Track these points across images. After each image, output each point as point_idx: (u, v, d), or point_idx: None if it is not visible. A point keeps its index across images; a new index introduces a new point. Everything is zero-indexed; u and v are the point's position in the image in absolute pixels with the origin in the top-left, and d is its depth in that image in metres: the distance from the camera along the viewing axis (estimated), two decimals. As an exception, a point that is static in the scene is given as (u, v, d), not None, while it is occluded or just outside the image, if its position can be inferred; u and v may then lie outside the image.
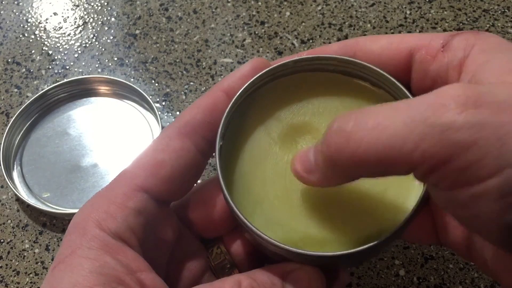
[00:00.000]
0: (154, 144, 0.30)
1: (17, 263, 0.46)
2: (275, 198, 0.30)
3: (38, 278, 0.45)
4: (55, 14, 0.63)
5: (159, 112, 0.53)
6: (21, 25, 0.63)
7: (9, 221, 0.48)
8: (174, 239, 0.31)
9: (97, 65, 0.58)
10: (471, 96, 0.20)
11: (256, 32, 0.59)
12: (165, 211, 0.30)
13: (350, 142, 0.23)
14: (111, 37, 0.60)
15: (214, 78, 0.56)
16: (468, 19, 0.59)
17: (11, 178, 0.49)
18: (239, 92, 0.31)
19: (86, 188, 0.49)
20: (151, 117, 0.53)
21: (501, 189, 0.20)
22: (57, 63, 0.59)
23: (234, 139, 0.31)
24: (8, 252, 0.46)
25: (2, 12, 0.64)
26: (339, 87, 0.32)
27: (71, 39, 0.61)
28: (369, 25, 0.59)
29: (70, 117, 0.54)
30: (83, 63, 0.58)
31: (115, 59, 0.58)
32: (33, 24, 0.63)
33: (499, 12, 0.59)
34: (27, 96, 0.56)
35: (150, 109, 0.53)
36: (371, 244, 0.26)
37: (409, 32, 0.58)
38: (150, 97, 0.54)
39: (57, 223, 0.48)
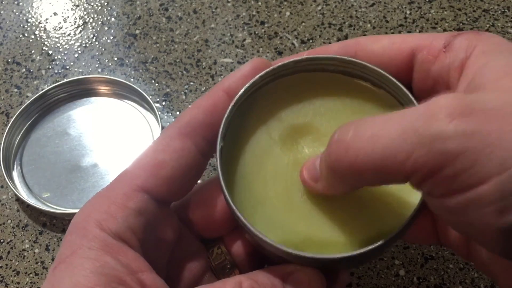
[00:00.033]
0: (155, 145, 0.30)
1: (17, 263, 0.46)
2: (276, 199, 0.30)
3: (38, 278, 0.45)
4: (55, 14, 0.63)
5: (159, 112, 0.53)
6: (21, 25, 0.63)
7: (9, 221, 0.48)
8: (174, 240, 0.31)
9: (97, 65, 0.58)
10: (460, 105, 0.21)
11: (256, 32, 0.59)
12: (166, 212, 0.30)
13: (349, 152, 0.23)
14: (111, 37, 0.60)
15: (214, 78, 0.56)
16: (468, 19, 0.59)
17: (11, 178, 0.49)
18: (240, 92, 0.31)
19: (86, 188, 0.49)
20: (151, 117, 0.53)
21: (491, 195, 0.20)
22: (57, 63, 0.58)
23: (235, 140, 0.31)
24: (8, 252, 0.46)
25: (2, 12, 0.64)
26: (340, 87, 0.32)
27: (71, 39, 0.61)
28: (369, 25, 0.59)
29: (70, 117, 0.54)
30: (83, 63, 0.58)
31: (115, 59, 0.58)
32: (33, 24, 0.63)
33: (499, 12, 0.59)
34: (27, 96, 0.56)
35: (150, 109, 0.53)
36: (372, 246, 0.26)
37: (409, 32, 0.58)
38: (150, 97, 0.54)
39: (57, 223, 0.48)
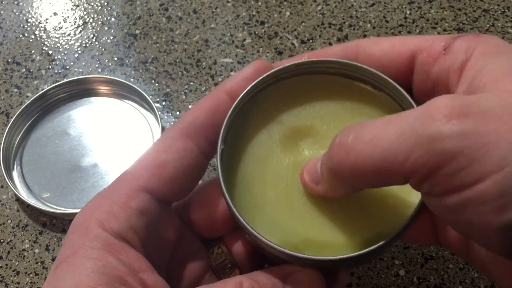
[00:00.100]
0: (157, 145, 0.30)
1: (17, 263, 0.46)
2: (276, 200, 0.30)
3: (38, 278, 0.45)
4: (55, 14, 0.63)
5: (159, 112, 0.53)
6: (21, 25, 0.63)
7: (9, 221, 0.48)
8: (175, 239, 0.31)
9: (97, 65, 0.58)
10: (457, 106, 0.21)
11: (256, 32, 0.59)
12: (167, 212, 0.30)
13: (350, 155, 0.24)
14: (111, 37, 0.60)
15: (214, 78, 0.56)
16: (468, 19, 0.59)
17: (11, 178, 0.49)
18: (241, 94, 0.31)
19: (86, 188, 0.49)
20: (151, 117, 0.53)
21: (489, 193, 0.20)
22: (57, 63, 0.59)
23: (235, 142, 0.31)
24: (8, 252, 0.46)
25: (2, 12, 0.64)
26: (340, 90, 0.32)
27: (71, 39, 0.61)
28: (369, 25, 0.59)
29: (70, 117, 0.54)
30: (83, 63, 0.58)
31: (115, 59, 0.58)
32: (33, 24, 0.63)
33: (499, 12, 0.59)
34: (27, 96, 0.56)
35: (150, 109, 0.53)
36: (372, 247, 0.26)
37: (409, 32, 0.58)
38: (150, 97, 0.54)
39: (57, 223, 0.48)
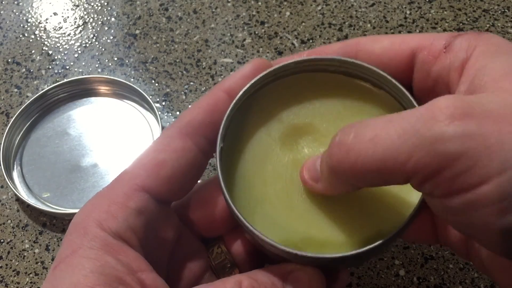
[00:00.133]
0: (155, 144, 0.30)
1: (17, 263, 0.46)
2: (275, 199, 0.30)
3: (38, 278, 0.45)
4: (55, 14, 0.63)
5: (159, 112, 0.53)
6: (21, 25, 0.63)
7: (9, 221, 0.48)
8: (174, 239, 0.31)
9: (97, 65, 0.58)
10: (459, 107, 0.21)
11: (256, 32, 0.59)
12: (166, 211, 0.30)
13: (350, 154, 0.24)
14: (111, 37, 0.60)
15: (214, 78, 0.56)
16: (468, 19, 0.59)
17: (11, 178, 0.49)
18: (240, 92, 0.31)
19: (86, 188, 0.49)
20: (151, 117, 0.53)
21: (492, 196, 0.20)
22: (57, 63, 0.59)
23: (235, 140, 0.31)
24: (8, 252, 0.46)
25: (2, 12, 0.64)
26: (340, 88, 0.32)
27: (71, 39, 0.61)
28: (369, 25, 0.59)
29: (70, 117, 0.54)
30: (83, 63, 0.58)
31: (115, 59, 0.58)
32: (33, 24, 0.63)
33: (499, 12, 0.59)
34: (27, 96, 0.56)
35: (150, 109, 0.53)
36: (371, 245, 0.26)
37: (409, 32, 0.58)
38: (150, 97, 0.54)
39: (57, 223, 0.48)
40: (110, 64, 0.58)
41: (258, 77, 0.31)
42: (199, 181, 0.32)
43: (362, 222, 0.29)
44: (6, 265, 0.46)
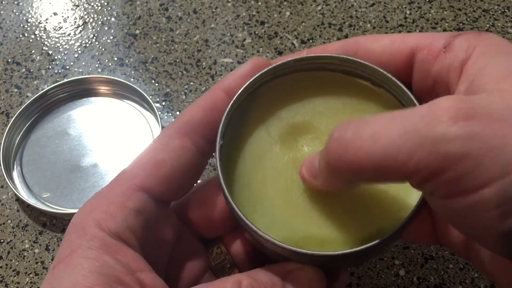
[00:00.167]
0: (154, 144, 0.30)
1: (17, 263, 0.46)
2: (275, 197, 0.30)
3: (38, 278, 0.45)
4: (55, 14, 0.63)
5: (159, 112, 0.53)
6: (21, 25, 0.63)
7: (9, 221, 0.48)
8: (174, 239, 0.31)
9: (97, 65, 0.58)
10: (463, 108, 0.21)
11: (256, 32, 0.59)
12: (165, 211, 0.30)
13: (349, 151, 0.23)
14: (111, 37, 0.60)
15: (214, 78, 0.56)
16: (468, 19, 0.59)
17: (11, 178, 0.49)
18: (239, 91, 0.31)
19: (86, 188, 0.49)
20: (151, 117, 0.53)
21: (494, 199, 0.20)
22: (57, 63, 0.59)
23: (234, 138, 0.31)
24: (8, 252, 0.46)
25: (2, 12, 0.64)
26: (340, 86, 0.32)
27: (71, 39, 0.61)
28: (369, 25, 0.59)
29: (70, 117, 0.54)
30: (83, 63, 0.58)
31: (115, 59, 0.58)
32: (33, 24, 0.63)
33: (499, 12, 0.59)
34: (27, 96, 0.56)
35: (150, 109, 0.53)
36: (372, 243, 0.26)
37: (409, 32, 0.58)
38: (150, 97, 0.54)
39: (57, 223, 0.48)
40: (110, 64, 0.58)
41: (257, 75, 0.31)
42: (198, 181, 0.32)
43: (362, 221, 0.29)
44: (6, 265, 0.46)
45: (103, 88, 0.55)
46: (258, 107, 0.32)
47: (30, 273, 0.45)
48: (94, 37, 0.60)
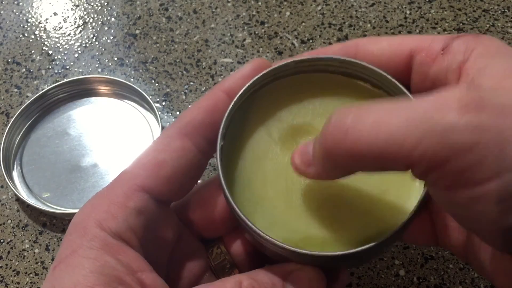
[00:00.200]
0: (155, 144, 0.30)
1: (17, 263, 0.46)
2: (275, 198, 0.30)
3: (38, 278, 0.45)
4: (55, 14, 0.63)
5: (159, 112, 0.53)
6: (21, 25, 0.63)
7: (9, 221, 0.48)
8: (174, 239, 0.31)
9: (97, 65, 0.58)
10: (474, 98, 0.20)
11: (256, 32, 0.59)
12: (166, 211, 0.30)
13: (349, 136, 0.23)
14: (111, 37, 0.60)
15: (214, 78, 0.56)
16: (468, 19, 0.59)
17: (11, 178, 0.49)
18: (240, 92, 0.31)
19: (86, 188, 0.49)
20: (151, 117, 0.53)
21: (499, 192, 0.20)
22: (57, 63, 0.59)
23: (235, 139, 0.31)
24: (8, 252, 0.46)
25: (2, 12, 0.64)
26: (340, 88, 0.32)
27: (71, 39, 0.61)
28: (369, 25, 0.59)
29: (70, 117, 0.54)
30: (83, 63, 0.58)
31: (115, 59, 0.58)
32: (33, 24, 0.63)
33: (499, 12, 0.59)
34: (27, 96, 0.56)
35: (150, 109, 0.53)
36: (372, 244, 0.26)
37: (409, 32, 0.58)
38: (150, 97, 0.54)
39: (57, 223, 0.48)
40: (110, 64, 0.58)
41: (257, 76, 0.31)
42: (199, 182, 0.33)
43: (362, 222, 0.29)
44: (6, 265, 0.46)
45: (103, 88, 0.55)
46: (259, 108, 0.32)
47: (30, 273, 0.45)
48: (94, 37, 0.60)
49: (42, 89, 0.55)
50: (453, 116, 0.20)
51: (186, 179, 0.30)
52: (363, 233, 0.29)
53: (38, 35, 0.61)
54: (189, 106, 0.54)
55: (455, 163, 0.20)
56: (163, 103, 0.55)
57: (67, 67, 0.58)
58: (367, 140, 0.22)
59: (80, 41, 0.60)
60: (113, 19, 0.62)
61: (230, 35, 0.59)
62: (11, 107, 0.55)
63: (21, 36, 0.61)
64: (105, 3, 0.64)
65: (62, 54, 0.59)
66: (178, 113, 0.54)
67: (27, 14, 0.64)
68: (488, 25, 0.58)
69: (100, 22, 0.62)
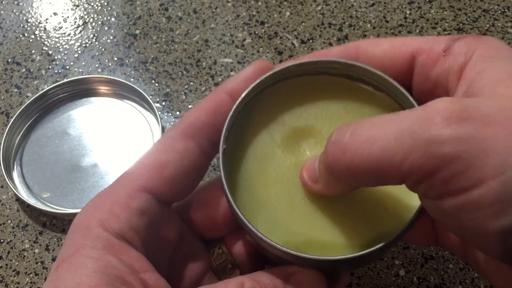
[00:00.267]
0: (158, 145, 0.30)
1: (17, 263, 0.46)
2: (277, 201, 0.30)
3: (38, 278, 0.45)
4: (55, 14, 0.63)
5: (159, 112, 0.53)
6: (21, 25, 0.63)
7: (9, 221, 0.48)
8: (176, 240, 0.31)
9: (97, 65, 0.58)
10: (456, 110, 0.21)
11: (256, 32, 0.59)
12: (168, 212, 0.30)
13: (346, 153, 0.24)
14: (111, 37, 0.60)
15: (214, 78, 0.56)
16: (468, 19, 0.59)
17: (11, 178, 0.49)
18: (243, 94, 0.31)
19: (86, 188, 0.49)
20: (151, 117, 0.53)
21: (484, 199, 0.20)
22: (57, 63, 0.58)
23: (237, 142, 0.31)
24: (8, 252, 0.46)
25: (2, 12, 0.64)
26: (342, 90, 0.32)
27: (71, 39, 0.61)
28: (369, 25, 0.59)
29: (70, 117, 0.54)
30: (83, 63, 0.58)
31: (115, 59, 0.58)
32: (33, 24, 0.63)
33: (499, 12, 0.59)
34: (27, 96, 0.56)
35: (150, 109, 0.53)
36: (373, 248, 0.27)
37: (409, 32, 0.58)
38: (150, 97, 0.54)
39: (57, 223, 0.48)
40: (110, 64, 0.58)
41: (260, 79, 0.31)
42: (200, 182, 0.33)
43: (364, 224, 0.29)
44: (6, 265, 0.46)
45: (103, 88, 0.55)
46: (261, 111, 0.32)
47: (30, 273, 0.45)
48: (94, 37, 0.60)
49: (42, 89, 0.55)
50: (437, 128, 0.21)
51: (189, 180, 0.30)
52: (365, 237, 0.29)
53: (38, 35, 0.61)
54: (189, 106, 0.54)
55: (441, 174, 0.21)
56: (163, 103, 0.55)
57: (67, 67, 0.58)
58: (362, 157, 0.23)
59: (80, 41, 0.60)
60: (113, 19, 0.62)
61: (230, 35, 0.59)
62: (11, 107, 0.55)
63: (21, 36, 0.61)
64: (105, 3, 0.64)
65: (62, 54, 0.59)
66: (178, 113, 0.54)
67: (27, 14, 0.64)
68: (488, 25, 0.58)
69: (100, 22, 0.62)
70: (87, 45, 0.60)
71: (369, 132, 0.23)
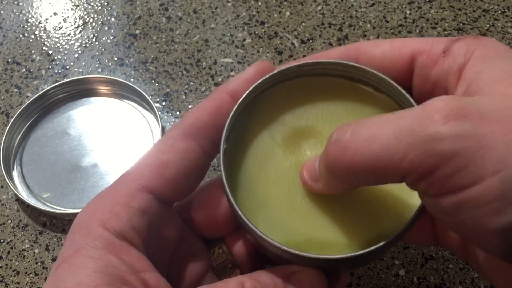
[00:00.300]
0: (159, 145, 0.30)
1: (17, 263, 0.46)
2: (278, 201, 0.30)
3: (38, 278, 0.45)
4: (55, 14, 0.63)
5: (159, 112, 0.53)
6: (21, 25, 0.63)
7: (9, 221, 0.48)
8: (176, 239, 0.31)
9: (97, 65, 0.58)
10: (455, 107, 0.21)
11: (256, 32, 0.59)
12: (169, 211, 0.30)
13: (346, 152, 0.24)
14: (111, 37, 0.60)
15: (214, 78, 0.56)
16: (468, 19, 0.59)
17: (11, 178, 0.49)
18: (244, 95, 0.31)
19: (86, 188, 0.49)
20: (151, 117, 0.53)
21: (484, 196, 0.21)
22: (57, 63, 0.58)
23: (238, 142, 0.31)
24: (8, 252, 0.46)
25: (2, 12, 0.64)
26: (342, 91, 0.32)
27: (71, 39, 0.61)
28: (369, 25, 0.59)
29: (70, 117, 0.54)
30: (83, 63, 0.58)
31: (115, 59, 0.58)
32: (33, 24, 0.63)
33: (499, 12, 0.59)
34: (27, 96, 0.56)
35: (150, 109, 0.53)
36: (373, 247, 0.27)
37: (409, 32, 0.58)
38: (150, 97, 0.54)
39: (57, 223, 0.48)
40: (110, 64, 0.58)
41: (261, 79, 0.31)
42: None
43: (364, 224, 0.29)
44: (6, 265, 0.46)
45: (103, 88, 0.55)
46: (262, 112, 0.32)
47: (30, 273, 0.45)
48: (94, 37, 0.60)
49: (42, 89, 0.55)
50: (436, 125, 0.21)
51: (190, 180, 0.31)
52: (365, 236, 0.29)
53: (38, 35, 0.61)
54: (189, 106, 0.54)
55: (440, 171, 0.21)
56: (163, 103, 0.55)
57: (67, 67, 0.58)
58: (362, 156, 0.23)
59: (80, 41, 0.60)
60: (113, 19, 0.62)
61: (230, 35, 0.59)
62: (11, 107, 0.55)
63: (21, 36, 0.61)
64: (105, 3, 0.64)
65: (62, 54, 0.59)
66: (178, 113, 0.54)
67: (27, 14, 0.64)
68: (488, 25, 0.58)
69: (100, 22, 0.62)
70: (87, 45, 0.60)
71: (369, 131, 0.23)
